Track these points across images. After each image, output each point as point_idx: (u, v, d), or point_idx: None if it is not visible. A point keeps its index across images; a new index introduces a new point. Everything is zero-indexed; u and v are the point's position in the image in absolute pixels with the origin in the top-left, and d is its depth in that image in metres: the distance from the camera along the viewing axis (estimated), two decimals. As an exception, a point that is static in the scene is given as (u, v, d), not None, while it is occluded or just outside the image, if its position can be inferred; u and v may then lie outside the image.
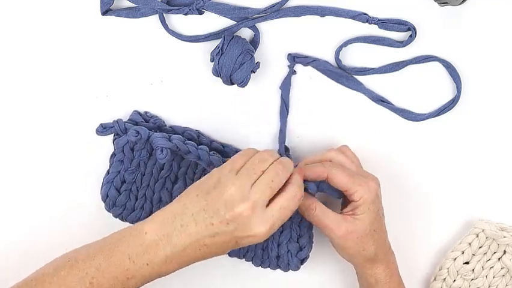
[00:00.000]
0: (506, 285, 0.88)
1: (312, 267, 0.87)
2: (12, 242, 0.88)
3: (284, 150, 0.86)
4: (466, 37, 0.85)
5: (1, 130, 0.87)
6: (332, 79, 0.86)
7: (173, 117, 0.87)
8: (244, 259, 0.86)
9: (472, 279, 0.88)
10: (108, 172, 0.84)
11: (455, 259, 0.88)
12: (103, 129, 0.82)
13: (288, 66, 0.86)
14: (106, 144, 0.87)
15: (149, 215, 0.76)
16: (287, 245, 0.84)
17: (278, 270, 0.85)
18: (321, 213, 0.77)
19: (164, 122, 0.86)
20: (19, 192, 0.88)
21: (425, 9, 0.84)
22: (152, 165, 0.83)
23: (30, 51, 0.86)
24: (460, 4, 0.82)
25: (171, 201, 0.76)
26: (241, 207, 0.70)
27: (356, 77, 0.86)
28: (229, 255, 0.85)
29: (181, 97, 0.86)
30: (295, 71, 0.86)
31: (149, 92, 0.86)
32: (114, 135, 0.83)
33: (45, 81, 0.86)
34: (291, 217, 0.76)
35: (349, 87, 0.86)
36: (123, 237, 0.74)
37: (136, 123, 0.83)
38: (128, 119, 0.84)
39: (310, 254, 0.84)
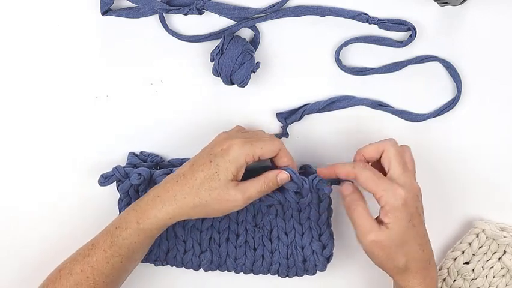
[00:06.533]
0: (506, 285, 0.88)
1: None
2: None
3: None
4: (466, 37, 0.85)
5: (1, 130, 0.87)
6: (326, 111, 0.86)
7: (173, 118, 0.87)
8: (269, 273, 0.85)
9: (472, 279, 0.88)
10: None
11: (455, 259, 0.88)
12: (104, 180, 0.82)
13: (282, 127, 0.86)
14: (104, 144, 0.87)
15: (183, 253, 0.84)
16: (311, 246, 0.84)
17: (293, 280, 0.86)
18: (361, 212, 0.76)
19: (161, 158, 0.86)
20: (19, 193, 0.88)
21: (425, 9, 0.84)
22: None
23: (30, 51, 0.86)
24: (460, 4, 0.82)
25: (195, 231, 0.83)
26: (221, 135, 0.80)
27: (355, 76, 0.86)
28: (253, 272, 0.85)
29: (181, 97, 0.86)
30: (287, 133, 0.86)
31: (149, 92, 0.86)
32: (117, 182, 0.83)
33: (46, 81, 0.86)
34: (309, 217, 0.82)
35: (345, 107, 0.86)
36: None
37: (135, 166, 0.83)
38: (127, 163, 0.85)
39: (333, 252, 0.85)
